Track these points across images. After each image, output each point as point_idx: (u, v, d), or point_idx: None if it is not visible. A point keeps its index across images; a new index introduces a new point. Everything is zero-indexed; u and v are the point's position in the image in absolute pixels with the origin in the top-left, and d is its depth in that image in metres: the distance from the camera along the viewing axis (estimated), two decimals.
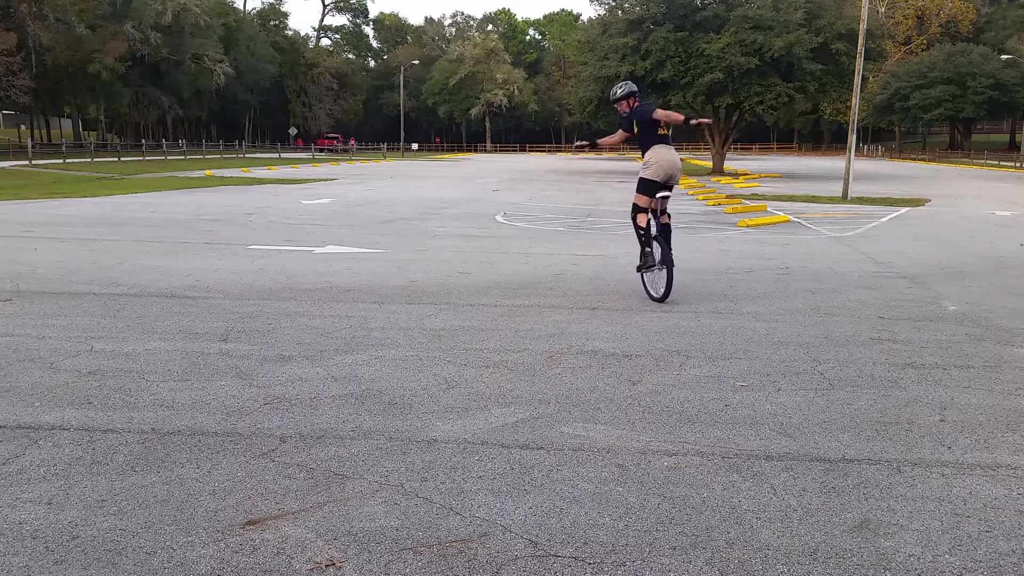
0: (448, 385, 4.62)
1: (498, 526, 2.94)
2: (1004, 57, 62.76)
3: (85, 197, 19.52)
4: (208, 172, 32.89)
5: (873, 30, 32.56)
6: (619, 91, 7.19)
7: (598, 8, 43.33)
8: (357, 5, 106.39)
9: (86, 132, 70.98)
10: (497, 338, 5.73)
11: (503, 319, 6.37)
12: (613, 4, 39.52)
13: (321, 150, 76.22)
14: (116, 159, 47.01)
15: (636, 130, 7.09)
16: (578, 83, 40.71)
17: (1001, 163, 55.77)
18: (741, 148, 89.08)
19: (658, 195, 7.01)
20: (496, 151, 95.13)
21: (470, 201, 19.74)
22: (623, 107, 7.15)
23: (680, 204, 19.26)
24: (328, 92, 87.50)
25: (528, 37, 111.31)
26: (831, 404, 4.36)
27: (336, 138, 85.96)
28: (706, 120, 7.29)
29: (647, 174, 7.03)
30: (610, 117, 43.67)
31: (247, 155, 59.38)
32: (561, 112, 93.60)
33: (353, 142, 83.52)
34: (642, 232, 7.19)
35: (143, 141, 65.42)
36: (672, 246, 7.07)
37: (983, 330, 6.18)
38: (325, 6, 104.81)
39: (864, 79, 29.68)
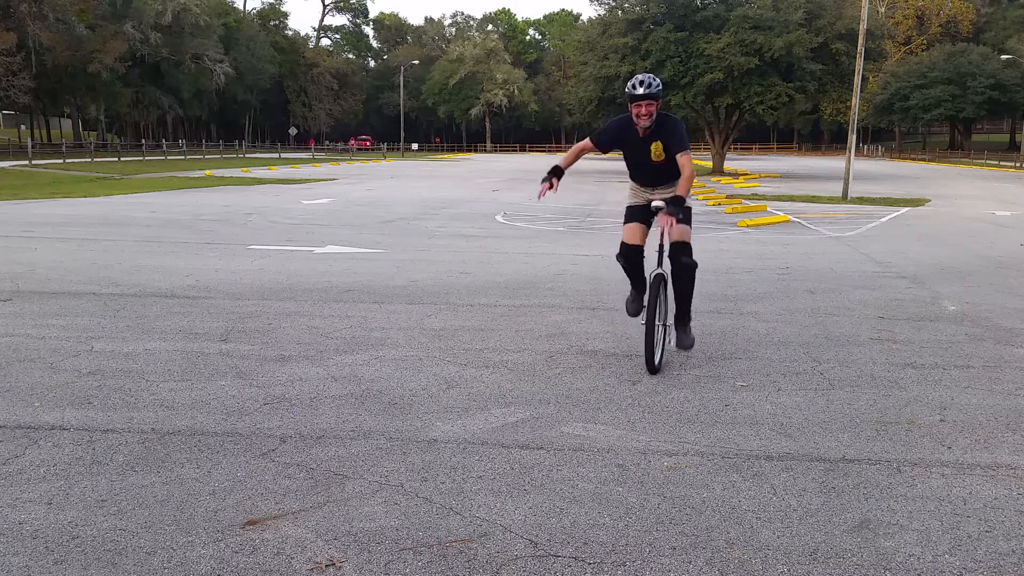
0: (448, 385, 4.62)
1: (498, 526, 2.94)
2: (1004, 57, 62.76)
3: (85, 197, 19.52)
4: (208, 172, 32.89)
5: (873, 30, 32.59)
6: (642, 89, 4.70)
7: (598, 8, 43.39)
8: (357, 5, 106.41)
9: (86, 132, 70.96)
10: (497, 338, 5.73)
11: (503, 319, 6.37)
12: (613, 4, 39.55)
13: (360, 150, 78.83)
14: (116, 159, 47.01)
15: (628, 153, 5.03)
16: (578, 83, 40.74)
17: (1001, 163, 55.77)
18: (741, 148, 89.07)
19: (654, 204, 4.91)
20: (496, 151, 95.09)
21: (470, 201, 19.73)
22: (643, 114, 4.72)
23: None
24: (328, 92, 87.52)
25: (528, 37, 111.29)
26: (831, 404, 4.36)
27: (369, 139, 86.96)
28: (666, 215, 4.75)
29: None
30: (611, 116, 43.59)
31: (247, 155, 59.38)
32: (561, 112, 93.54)
33: (354, 142, 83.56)
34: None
35: (143, 141, 65.46)
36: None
37: (983, 330, 6.18)
38: (325, 6, 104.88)
39: (864, 79, 29.71)
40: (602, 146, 5.01)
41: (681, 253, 4.94)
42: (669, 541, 2.85)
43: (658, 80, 4.78)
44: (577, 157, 5.14)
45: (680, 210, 4.73)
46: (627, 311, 5.35)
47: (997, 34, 75.80)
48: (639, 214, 5.10)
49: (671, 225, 4.77)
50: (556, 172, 5.02)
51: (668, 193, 4.90)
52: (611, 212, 16.79)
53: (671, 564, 2.70)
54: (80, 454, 3.55)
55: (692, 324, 5.18)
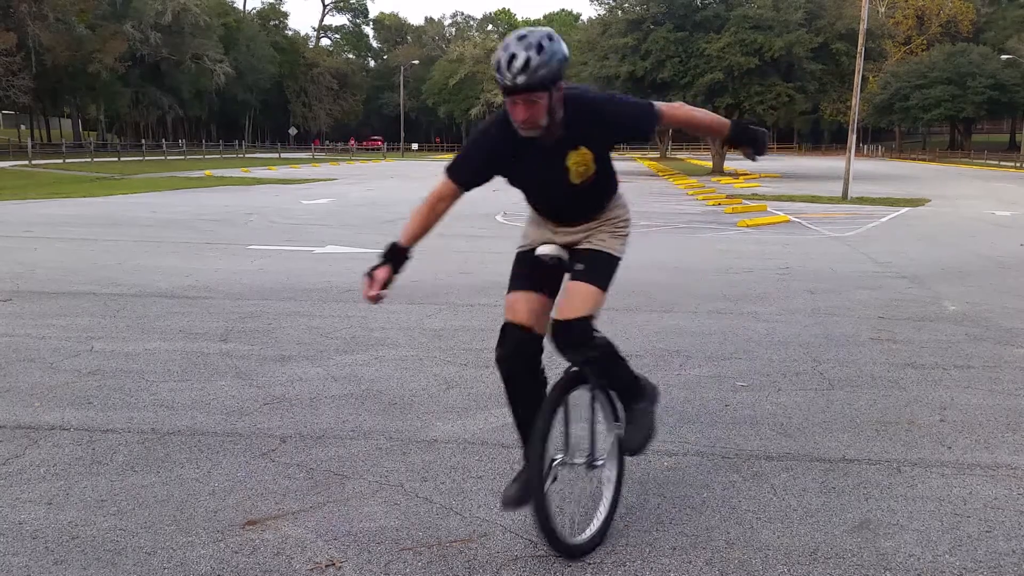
0: (448, 385, 4.61)
1: (498, 526, 2.94)
2: (1004, 57, 62.74)
3: (85, 197, 19.52)
4: (208, 172, 32.89)
5: (873, 30, 32.59)
6: (513, 75, 2.42)
7: (598, 8, 43.45)
8: (357, 5, 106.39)
9: (86, 132, 70.96)
10: (497, 338, 5.72)
11: (503, 319, 6.36)
12: (613, 4, 39.61)
13: (367, 150, 79.70)
14: (116, 159, 47.02)
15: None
16: (578, 83, 40.68)
17: (1001, 163, 55.77)
18: None
19: (540, 252, 2.84)
20: None
21: (470, 201, 19.70)
22: (523, 119, 2.51)
23: (680, 204, 19.26)
24: (328, 92, 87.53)
25: None
26: (831, 404, 4.36)
27: (380, 139, 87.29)
28: None
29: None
30: None
31: (247, 155, 59.40)
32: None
33: (353, 142, 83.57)
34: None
35: (143, 141, 65.44)
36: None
37: (983, 330, 6.18)
38: (325, 6, 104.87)
39: (864, 79, 29.73)
40: (464, 181, 2.74)
41: (570, 338, 2.68)
42: (669, 541, 2.85)
43: (549, 41, 2.43)
44: (432, 217, 2.82)
45: (760, 146, 2.83)
46: (502, 500, 2.75)
47: (997, 34, 75.76)
48: (537, 273, 2.82)
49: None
50: (393, 257, 2.74)
51: (584, 231, 2.81)
52: None
53: (671, 564, 2.70)
54: (80, 454, 3.55)
55: (644, 404, 2.91)
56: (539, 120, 2.51)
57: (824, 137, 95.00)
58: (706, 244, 11.54)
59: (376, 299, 2.65)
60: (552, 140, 2.61)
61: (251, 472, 3.39)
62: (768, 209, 17.47)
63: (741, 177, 32.87)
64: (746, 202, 19.33)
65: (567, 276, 2.81)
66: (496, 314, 6.51)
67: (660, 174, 35.72)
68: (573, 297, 2.72)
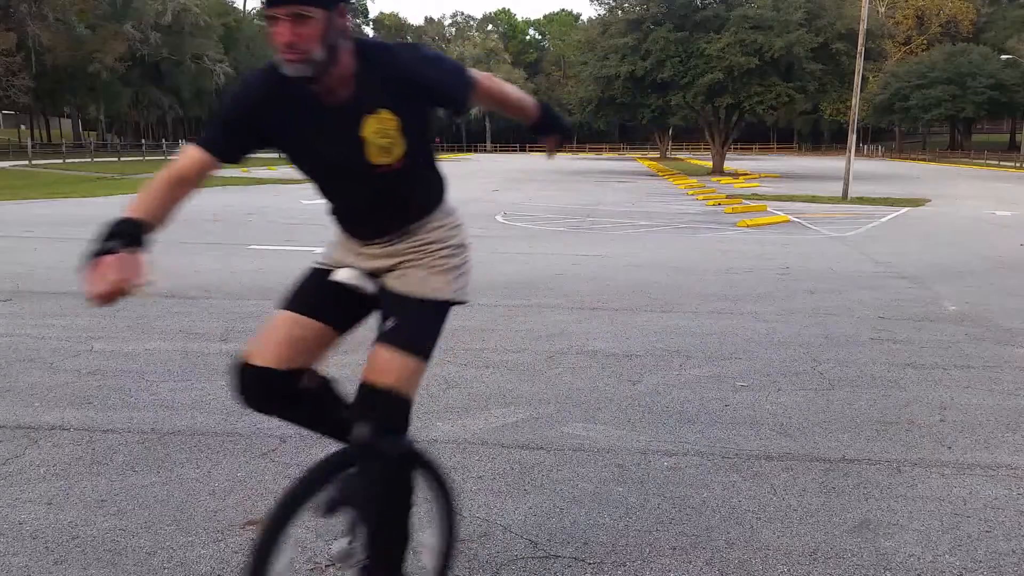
0: (448, 385, 4.61)
1: (498, 526, 2.94)
2: (1004, 57, 62.73)
3: (85, 197, 19.52)
4: None
5: (873, 30, 32.61)
6: None
7: (598, 8, 43.53)
8: (357, 5, 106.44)
9: (86, 132, 70.98)
10: (497, 338, 5.73)
11: (503, 319, 6.37)
12: (613, 4, 39.67)
13: None
14: (116, 159, 47.01)
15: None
16: (578, 83, 40.84)
17: (1001, 163, 55.77)
18: (741, 148, 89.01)
19: (337, 277, 2.32)
20: (496, 151, 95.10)
21: (470, 201, 19.73)
22: (290, 41, 1.83)
23: (680, 204, 19.26)
24: None
25: (528, 37, 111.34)
26: (831, 404, 4.36)
27: None
28: None
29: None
30: (610, 117, 43.73)
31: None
32: (561, 112, 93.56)
33: None
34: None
35: (143, 141, 65.46)
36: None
37: (983, 330, 6.18)
38: None
39: (864, 79, 29.72)
40: (218, 148, 2.03)
41: (372, 409, 2.09)
42: (669, 541, 2.85)
43: None
44: (173, 196, 1.97)
45: (568, 137, 2.54)
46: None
47: (997, 34, 75.77)
48: (325, 301, 2.29)
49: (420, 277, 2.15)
50: (126, 232, 1.82)
51: (397, 255, 2.21)
52: (611, 212, 16.79)
53: (671, 564, 2.70)
54: (80, 454, 3.55)
55: None
56: (311, 50, 1.84)
57: (824, 137, 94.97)
58: (706, 244, 11.54)
59: (118, 295, 1.74)
60: (340, 101, 1.97)
61: (251, 472, 3.39)
62: (768, 209, 17.48)
63: (741, 177, 32.88)
64: (746, 202, 19.34)
65: (375, 323, 2.14)
66: (496, 314, 6.51)
67: (660, 174, 35.72)
68: (380, 361, 2.05)
